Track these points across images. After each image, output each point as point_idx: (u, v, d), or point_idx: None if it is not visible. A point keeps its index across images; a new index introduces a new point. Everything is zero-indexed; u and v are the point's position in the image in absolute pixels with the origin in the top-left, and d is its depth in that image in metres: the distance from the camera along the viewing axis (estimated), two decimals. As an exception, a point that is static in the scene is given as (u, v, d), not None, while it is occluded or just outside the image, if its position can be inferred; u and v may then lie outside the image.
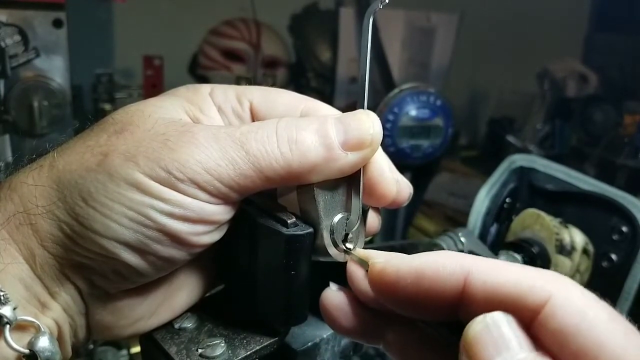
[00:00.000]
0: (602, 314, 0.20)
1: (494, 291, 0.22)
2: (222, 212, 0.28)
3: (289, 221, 0.29)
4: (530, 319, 0.21)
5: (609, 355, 0.19)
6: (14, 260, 0.26)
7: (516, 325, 0.21)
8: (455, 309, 0.23)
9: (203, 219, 0.28)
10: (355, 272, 0.28)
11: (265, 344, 0.31)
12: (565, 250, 0.65)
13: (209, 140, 0.27)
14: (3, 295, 0.25)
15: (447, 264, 0.23)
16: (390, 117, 0.89)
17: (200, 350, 0.30)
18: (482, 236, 0.75)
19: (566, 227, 0.67)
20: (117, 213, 0.26)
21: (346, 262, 0.30)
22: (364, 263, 0.28)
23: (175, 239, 0.27)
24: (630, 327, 0.20)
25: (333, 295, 0.28)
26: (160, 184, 0.26)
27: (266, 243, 0.30)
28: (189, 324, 0.32)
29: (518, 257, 0.65)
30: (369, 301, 0.27)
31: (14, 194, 0.27)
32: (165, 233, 0.27)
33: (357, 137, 0.29)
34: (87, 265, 0.27)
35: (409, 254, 0.27)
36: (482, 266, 0.22)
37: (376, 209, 0.34)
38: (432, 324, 0.26)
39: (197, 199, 0.27)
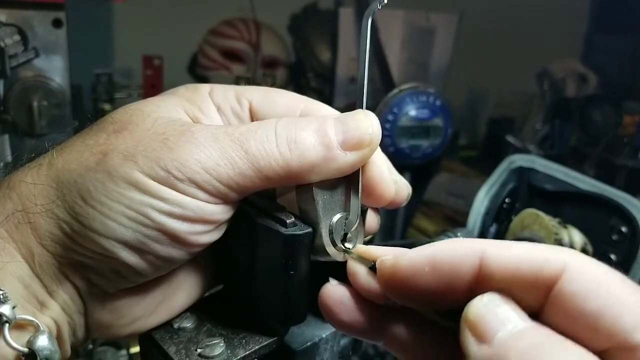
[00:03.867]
0: (617, 279, 0.20)
1: (510, 266, 0.22)
2: (221, 212, 0.28)
3: (287, 221, 0.29)
4: (547, 289, 0.21)
5: (630, 313, 0.19)
6: (12, 259, 0.26)
7: (513, 302, 0.22)
8: (471, 293, 0.23)
9: (202, 219, 0.28)
10: (357, 268, 0.28)
11: (265, 343, 0.31)
12: (564, 250, 0.65)
13: (208, 140, 0.27)
14: (2, 294, 0.25)
15: (459, 248, 0.23)
16: (390, 117, 0.89)
17: (199, 350, 0.30)
18: (482, 236, 0.75)
19: (565, 227, 0.67)
20: (116, 212, 0.26)
21: (345, 262, 0.29)
22: (365, 260, 0.28)
23: (174, 238, 0.27)
24: None
25: (333, 290, 0.28)
26: (160, 183, 0.26)
27: (265, 243, 0.30)
28: (188, 323, 0.32)
29: (517, 257, 0.65)
30: (371, 297, 0.27)
31: (12, 192, 0.27)
32: (164, 232, 0.27)
33: (356, 136, 0.29)
34: (86, 264, 0.27)
35: None
36: (495, 245, 0.23)
37: (375, 209, 0.34)
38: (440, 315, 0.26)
39: (196, 199, 0.27)
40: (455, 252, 0.23)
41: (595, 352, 0.20)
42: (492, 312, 0.21)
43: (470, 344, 0.21)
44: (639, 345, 0.19)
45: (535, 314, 0.22)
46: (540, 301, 0.21)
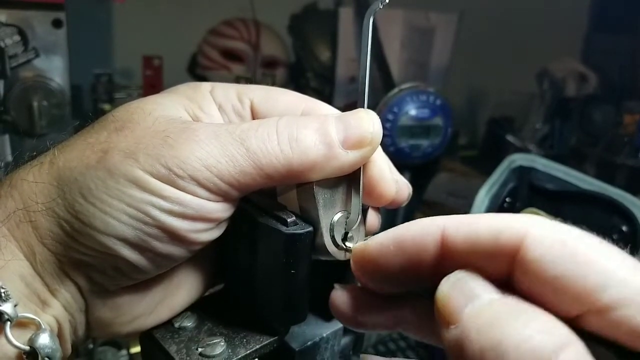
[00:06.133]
0: (582, 240, 0.20)
1: (469, 237, 0.22)
2: (221, 210, 0.28)
3: (288, 220, 0.29)
4: (510, 257, 0.21)
5: (596, 272, 0.19)
6: (14, 257, 0.26)
7: (480, 277, 0.21)
8: (439, 271, 0.23)
9: (202, 217, 0.28)
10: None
11: (265, 343, 0.31)
12: (564, 249, 0.65)
13: (210, 137, 0.27)
14: (4, 292, 0.25)
15: (421, 224, 0.23)
16: (390, 116, 0.89)
17: (200, 349, 0.30)
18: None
19: (566, 226, 0.67)
20: (117, 210, 0.26)
21: (345, 261, 0.30)
22: None
23: (174, 236, 0.27)
24: (614, 248, 0.20)
25: (341, 294, 0.28)
26: (160, 181, 0.26)
27: (266, 242, 0.30)
28: (188, 323, 0.32)
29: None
30: (380, 288, 0.27)
31: (14, 190, 0.27)
32: (164, 230, 0.27)
33: (357, 135, 0.29)
34: (87, 262, 0.27)
35: None
36: (455, 219, 0.23)
37: (376, 208, 0.34)
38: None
39: (197, 196, 0.27)
40: (417, 228, 0.23)
41: (568, 320, 0.19)
42: (458, 289, 0.21)
43: (443, 329, 0.21)
44: (607, 305, 0.18)
45: (507, 285, 0.21)
46: (507, 270, 0.21)
